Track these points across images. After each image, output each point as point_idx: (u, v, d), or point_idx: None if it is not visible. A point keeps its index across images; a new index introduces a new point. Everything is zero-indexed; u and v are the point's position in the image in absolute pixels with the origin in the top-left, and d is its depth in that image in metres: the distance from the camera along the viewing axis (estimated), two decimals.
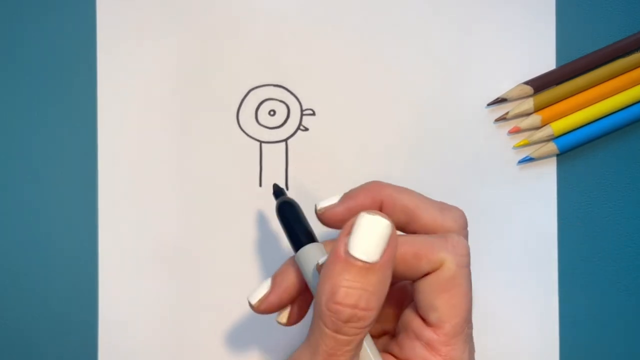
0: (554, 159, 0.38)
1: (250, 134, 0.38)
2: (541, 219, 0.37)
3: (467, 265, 0.26)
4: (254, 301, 0.29)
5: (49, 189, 0.38)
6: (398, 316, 0.28)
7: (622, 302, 0.37)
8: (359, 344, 0.24)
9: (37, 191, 0.38)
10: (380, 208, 0.28)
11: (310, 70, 0.38)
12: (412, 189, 0.29)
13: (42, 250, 0.38)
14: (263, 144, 0.38)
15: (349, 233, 0.24)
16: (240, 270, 0.37)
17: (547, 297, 0.37)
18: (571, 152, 0.37)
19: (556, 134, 0.37)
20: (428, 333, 0.25)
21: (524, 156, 0.37)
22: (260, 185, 0.38)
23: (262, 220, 0.38)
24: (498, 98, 0.37)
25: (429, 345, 0.25)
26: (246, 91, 0.38)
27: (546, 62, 0.37)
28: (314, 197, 0.37)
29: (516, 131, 0.37)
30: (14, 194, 0.38)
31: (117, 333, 0.38)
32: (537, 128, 0.37)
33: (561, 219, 0.37)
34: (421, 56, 0.38)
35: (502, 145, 0.38)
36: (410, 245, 0.26)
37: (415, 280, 0.26)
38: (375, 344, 0.27)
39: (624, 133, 0.38)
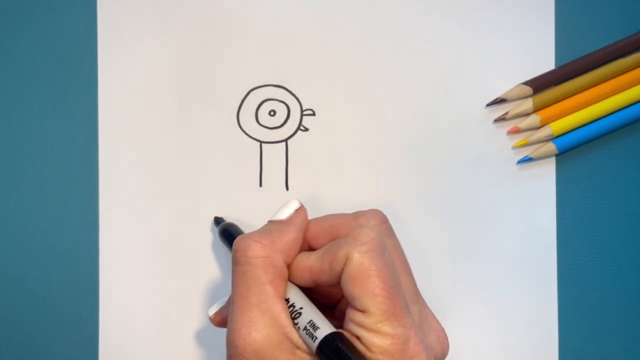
0: (553, 159, 0.38)
1: (250, 134, 0.38)
2: (540, 218, 0.37)
3: (374, 249, 0.27)
4: (210, 313, 0.33)
5: (50, 189, 0.38)
6: None
7: (621, 301, 0.37)
8: (258, 279, 0.28)
9: (37, 191, 0.38)
10: (304, 249, 0.31)
11: (310, 70, 0.38)
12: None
13: (42, 250, 0.38)
14: (263, 144, 0.38)
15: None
16: None
17: (546, 296, 0.37)
18: (570, 152, 0.38)
19: (555, 134, 0.37)
20: (359, 317, 0.27)
21: (523, 156, 0.37)
22: (260, 185, 0.38)
23: (262, 220, 0.37)
24: (497, 98, 0.37)
25: (362, 326, 0.27)
26: (246, 91, 0.38)
27: (545, 62, 0.37)
28: (314, 197, 0.37)
29: (515, 131, 0.37)
30: (15, 194, 0.38)
31: (117, 333, 0.38)
32: (537, 128, 0.37)
33: (560, 219, 0.37)
34: (421, 56, 0.38)
35: (501, 145, 0.38)
36: (322, 256, 0.29)
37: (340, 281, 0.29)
38: None
39: (623, 133, 0.38)
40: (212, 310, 0.33)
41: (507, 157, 0.38)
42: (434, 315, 0.30)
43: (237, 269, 0.29)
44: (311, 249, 0.31)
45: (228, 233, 0.35)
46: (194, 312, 0.38)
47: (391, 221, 0.31)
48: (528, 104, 0.37)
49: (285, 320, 0.28)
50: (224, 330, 0.37)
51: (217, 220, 0.37)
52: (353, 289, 0.27)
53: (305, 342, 0.28)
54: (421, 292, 0.30)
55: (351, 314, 0.27)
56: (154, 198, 0.38)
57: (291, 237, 0.30)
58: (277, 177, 0.38)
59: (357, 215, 0.30)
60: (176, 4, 0.38)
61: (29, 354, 0.38)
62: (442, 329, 0.30)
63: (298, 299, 0.29)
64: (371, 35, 0.38)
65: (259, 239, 0.29)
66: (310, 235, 0.31)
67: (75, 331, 0.38)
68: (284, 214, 0.31)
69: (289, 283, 0.30)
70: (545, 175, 0.38)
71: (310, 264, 0.29)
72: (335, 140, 0.38)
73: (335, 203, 0.37)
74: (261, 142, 0.38)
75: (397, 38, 0.38)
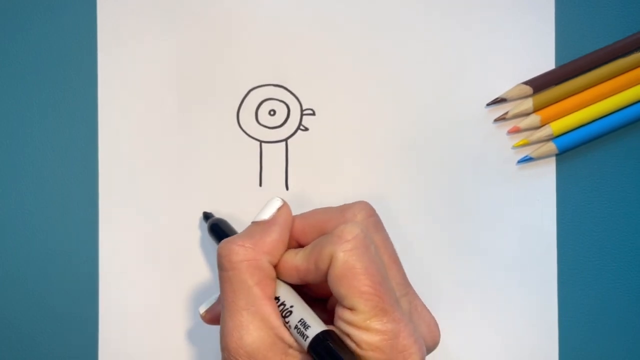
0: (553, 158, 0.38)
1: (250, 133, 0.38)
2: (540, 218, 0.37)
3: (358, 246, 0.27)
4: (201, 311, 0.33)
5: (50, 189, 0.38)
6: None
7: (621, 301, 0.37)
8: (244, 282, 0.28)
9: (37, 191, 0.38)
10: (293, 245, 0.31)
11: (310, 70, 0.38)
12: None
13: (42, 250, 0.38)
14: (263, 144, 0.38)
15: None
16: None
17: (547, 296, 0.37)
18: (570, 152, 0.37)
19: (555, 134, 0.37)
20: (348, 315, 0.27)
21: (523, 156, 0.37)
22: (260, 185, 0.38)
23: None
24: (497, 98, 0.37)
25: (351, 324, 0.27)
26: (246, 91, 0.38)
27: (546, 62, 0.37)
28: (314, 197, 0.38)
29: (515, 131, 0.37)
30: (15, 194, 0.38)
31: (117, 332, 0.38)
32: (537, 128, 0.37)
33: (560, 219, 0.37)
34: (421, 56, 0.38)
35: (501, 145, 0.38)
36: (308, 254, 0.29)
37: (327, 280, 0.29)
38: None
39: (623, 133, 0.38)
40: (203, 308, 0.33)
41: (507, 157, 0.38)
42: (425, 305, 0.30)
43: (223, 274, 0.29)
44: (299, 245, 0.31)
45: (217, 229, 0.35)
46: (194, 312, 0.38)
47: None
48: (528, 104, 0.37)
49: (276, 320, 0.28)
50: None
51: (206, 216, 0.37)
52: (340, 287, 0.27)
53: (296, 341, 0.28)
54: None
55: (340, 311, 0.27)
56: (154, 198, 0.38)
57: (274, 236, 0.30)
58: (277, 177, 0.38)
59: (344, 208, 0.30)
60: (176, 4, 0.38)
61: (29, 354, 0.38)
62: (433, 318, 0.30)
63: (288, 297, 0.29)
64: (371, 35, 0.38)
65: (242, 242, 0.29)
66: (297, 232, 0.31)
67: (75, 331, 0.38)
68: (266, 214, 0.30)
69: (278, 281, 0.30)
70: (545, 175, 0.38)
71: (296, 264, 0.29)
72: (335, 140, 0.38)
73: (335, 203, 0.37)
74: (261, 141, 0.38)
75: (397, 38, 0.38)
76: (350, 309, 0.27)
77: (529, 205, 0.37)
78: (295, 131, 0.38)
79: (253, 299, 0.28)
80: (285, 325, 0.28)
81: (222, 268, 0.29)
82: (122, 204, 0.38)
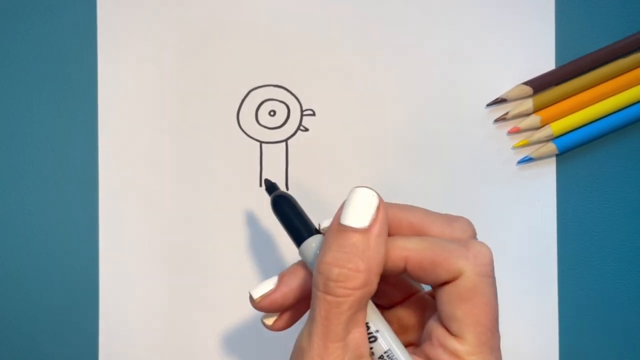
0: (554, 159, 0.38)
1: (250, 134, 0.38)
2: (541, 218, 0.37)
3: (490, 274, 0.25)
4: (256, 295, 0.28)
5: (50, 189, 0.38)
6: (420, 327, 0.28)
7: (622, 301, 0.37)
8: (352, 309, 0.25)
9: (37, 191, 0.38)
10: None
11: (310, 70, 0.38)
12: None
13: (42, 250, 0.38)
14: (263, 144, 0.38)
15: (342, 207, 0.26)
16: (241, 270, 0.38)
17: (547, 296, 0.37)
18: (570, 153, 0.37)
19: (555, 134, 0.37)
20: (452, 343, 0.25)
21: (523, 156, 0.37)
22: (261, 185, 0.38)
23: (262, 220, 0.38)
24: (498, 98, 0.37)
25: (453, 354, 0.25)
26: (246, 91, 0.38)
27: (546, 62, 0.37)
28: (314, 197, 0.37)
29: (516, 131, 0.37)
30: (15, 194, 0.38)
31: (117, 333, 0.38)
32: (537, 128, 0.37)
33: (560, 219, 0.37)
34: (421, 56, 0.38)
35: (501, 146, 0.38)
36: (429, 251, 0.26)
37: (435, 287, 0.26)
38: None
39: (623, 133, 0.38)
40: (258, 293, 0.28)
41: (507, 157, 0.38)
42: None
43: (329, 299, 0.25)
44: None
45: (289, 214, 0.29)
46: (195, 312, 0.38)
47: None
48: (528, 104, 0.37)
49: (366, 349, 0.25)
50: (224, 330, 0.37)
51: (270, 186, 0.31)
52: (456, 309, 0.25)
53: None
54: None
55: (442, 336, 0.25)
56: (154, 198, 0.38)
57: (383, 251, 0.25)
58: (277, 177, 0.38)
59: (451, 219, 0.27)
60: (176, 4, 0.38)
61: (29, 354, 0.38)
62: None
63: (372, 316, 0.26)
64: (371, 35, 0.38)
65: (355, 265, 0.25)
66: (390, 224, 0.27)
67: (75, 331, 0.38)
68: (365, 217, 0.25)
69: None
70: (546, 175, 0.38)
71: (408, 254, 0.26)
72: (335, 140, 0.38)
73: (335, 203, 0.37)
74: (261, 142, 0.38)
75: (397, 38, 0.38)
76: (457, 335, 0.25)
77: (529, 205, 0.37)
78: (295, 131, 0.38)
79: (352, 326, 0.25)
80: (370, 355, 0.25)
81: (330, 292, 0.25)
82: (122, 204, 0.38)
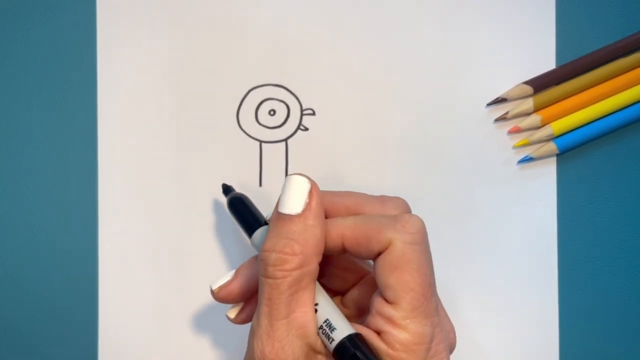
0: (554, 158, 0.38)
1: (250, 134, 0.38)
2: (541, 218, 0.37)
3: (419, 242, 0.27)
4: (214, 287, 0.31)
5: (49, 189, 0.38)
6: None
7: (622, 302, 0.37)
8: (292, 288, 0.27)
9: (37, 191, 0.38)
10: None
11: (310, 70, 0.38)
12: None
13: (42, 250, 0.38)
14: (263, 144, 0.38)
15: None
16: None
17: (547, 296, 0.37)
18: (571, 152, 0.37)
19: (556, 134, 0.37)
20: (388, 310, 0.26)
21: (523, 156, 0.37)
22: (260, 185, 0.38)
23: None
24: (498, 98, 0.37)
25: (389, 320, 0.26)
26: (246, 91, 0.38)
27: (546, 62, 0.37)
28: None
29: (516, 131, 0.37)
30: (15, 194, 0.38)
31: (117, 333, 0.38)
32: (537, 128, 0.37)
33: (561, 219, 0.37)
34: (421, 56, 0.38)
35: (502, 145, 0.38)
36: (362, 226, 0.27)
37: (374, 260, 0.28)
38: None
39: (624, 133, 0.38)
40: (216, 284, 0.31)
41: (507, 157, 0.38)
42: (446, 312, 0.30)
43: (270, 282, 0.27)
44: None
45: (239, 208, 0.33)
46: (194, 312, 0.38)
47: None
48: (529, 104, 0.37)
49: (312, 327, 0.27)
50: (224, 329, 0.37)
51: (226, 189, 0.35)
52: (389, 277, 0.26)
53: (322, 342, 0.27)
54: None
55: (379, 304, 0.26)
56: (154, 198, 0.38)
57: (319, 233, 0.27)
58: (277, 177, 0.38)
59: (384, 200, 0.29)
60: (176, 4, 0.38)
61: (28, 354, 0.38)
62: (452, 325, 0.30)
63: (317, 296, 0.28)
64: (371, 35, 0.38)
65: (291, 249, 0.27)
66: (327, 209, 0.29)
67: (75, 331, 0.38)
68: (298, 204, 0.27)
69: None
70: (546, 175, 0.37)
71: (343, 232, 0.27)
72: (335, 140, 0.38)
73: None
74: (261, 141, 0.38)
75: (397, 38, 0.38)
76: (393, 302, 0.26)
77: (529, 205, 0.37)
78: (295, 131, 0.38)
79: (296, 306, 0.27)
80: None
81: (270, 276, 0.27)
82: (122, 203, 0.38)
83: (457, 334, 0.30)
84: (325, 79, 0.38)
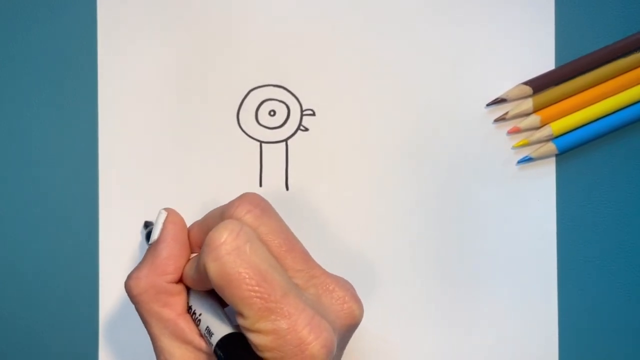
0: (553, 159, 0.38)
1: (250, 134, 0.38)
2: (540, 218, 0.37)
3: (230, 251, 0.26)
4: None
5: (50, 189, 0.38)
6: None
7: (622, 302, 0.37)
8: (149, 306, 0.29)
9: (37, 191, 0.38)
10: (197, 252, 0.31)
11: (310, 70, 0.38)
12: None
13: (42, 249, 0.38)
14: (263, 144, 0.38)
15: None
16: None
17: (547, 296, 0.37)
18: (570, 152, 0.37)
19: (555, 134, 0.37)
20: (239, 319, 0.27)
21: (523, 156, 0.37)
22: (261, 185, 0.38)
23: None
24: (497, 98, 0.37)
25: (245, 328, 0.26)
26: (246, 91, 0.38)
27: (545, 62, 0.37)
28: (314, 197, 0.38)
29: (515, 131, 0.37)
30: (15, 193, 0.38)
31: (117, 332, 0.38)
32: (537, 128, 0.37)
33: (560, 219, 0.37)
34: (421, 56, 0.38)
35: (501, 145, 0.38)
36: (197, 264, 0.28)
37: None
38: None
39: (624, 133, 0.38)
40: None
41: (507, 157, 0.38)
42: (339, 281, 0.29)
43: (135, 307, 0.30)
44: None
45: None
46: None
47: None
48: (528, 104, 0.37)
49: (191, 334, 0.29)
50: None
51: (146, 225, 0.37)
52: (223, 296, 0.26)
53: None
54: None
55: (236, 317, 0.27)
56: (154, 198, 0.38)
57: (165, 254, 0.30)
58: (277, 177, 0.38)
59: (224, 208, 0.29)
60: (176, 4, 0.38)
61: (28, 354, 0.38)
62: (347, 293, 0.29)
63: (197, 303, 0.29)
64: (371, 35, 0.38)
65: (137, 274, 0.29)
66: (195, 238, 0.31)
67: (76, 330, 0.38)
68: (156, 233, 0.30)
69: (190, 290, 0.30)
70: (546, 175, 0.38)
71: (189, 274, 0.29)
72: (335, 140, 0.38)
73: (335, 203, 0.38)
74: (261, 142, 0.38)
75: (397, 38, 0.38)
76: (238, 314, 0.26)
77: (529, 205, 0.37)
78: (295, 131, 0.38)
79: (165, 322, 0.29)
80: (201, 335, 0.28)
81: (131, 302, 0.30)
82: (122, 204, 0.38)
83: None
84: (325, 79, 0.38)
